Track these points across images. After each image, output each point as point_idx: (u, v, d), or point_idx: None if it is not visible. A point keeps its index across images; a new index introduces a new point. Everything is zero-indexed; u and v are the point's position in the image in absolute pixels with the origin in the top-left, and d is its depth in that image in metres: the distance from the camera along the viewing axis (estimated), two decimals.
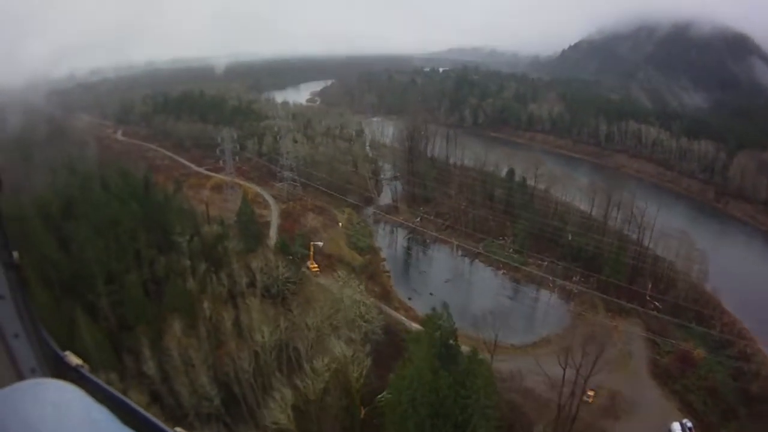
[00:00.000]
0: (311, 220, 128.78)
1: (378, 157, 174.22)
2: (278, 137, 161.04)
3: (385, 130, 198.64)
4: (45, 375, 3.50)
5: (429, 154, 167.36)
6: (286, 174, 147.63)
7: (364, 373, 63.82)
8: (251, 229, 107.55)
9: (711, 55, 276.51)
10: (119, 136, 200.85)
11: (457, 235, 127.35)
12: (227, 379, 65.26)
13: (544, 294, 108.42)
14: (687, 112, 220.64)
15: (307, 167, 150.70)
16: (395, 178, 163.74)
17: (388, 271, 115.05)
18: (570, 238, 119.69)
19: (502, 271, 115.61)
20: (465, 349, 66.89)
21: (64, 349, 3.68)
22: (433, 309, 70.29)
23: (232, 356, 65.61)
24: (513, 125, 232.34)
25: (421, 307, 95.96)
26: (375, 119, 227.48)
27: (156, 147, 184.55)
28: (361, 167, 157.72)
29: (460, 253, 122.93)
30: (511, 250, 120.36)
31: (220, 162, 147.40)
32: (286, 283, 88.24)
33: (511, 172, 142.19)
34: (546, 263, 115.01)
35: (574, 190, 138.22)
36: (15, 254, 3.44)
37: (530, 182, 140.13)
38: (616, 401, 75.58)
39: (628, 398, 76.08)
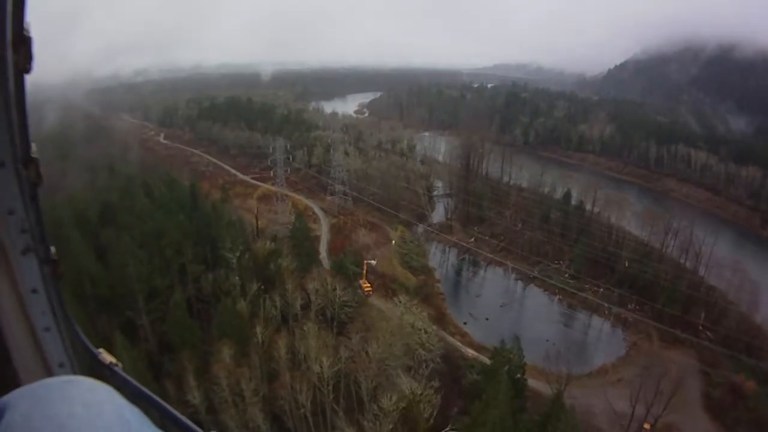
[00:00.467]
0: (363, 237, 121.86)
1: (430, 174, 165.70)
2: (330, 149, 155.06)
3: (436, 146, 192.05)
4: (75, 371, 3.38)
5: (483, 173, 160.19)
6: (338, 187, 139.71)
7: (434, 413, 57.30)
8: (305, 246, 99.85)
9: (755, 78, 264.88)
10: (161, 139, 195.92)
11: (512, 257, 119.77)
12: (281, 413, 58.92)
13: (598, 321, 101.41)
14: (733, 137, 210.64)
15: (358, 181, 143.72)
16: (448, 195, 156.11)
17: (442, 293, 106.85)
18: (626, 264, 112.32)
19: (557, 297, 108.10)
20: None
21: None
22: (503, 342, 67.64)
23: (288, 388, 58.67)
24: (563, 146, 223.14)
25: (477, 333, 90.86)
26: (426, 134, 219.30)
27: (200, 152, 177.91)
28: (414, 183, 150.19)
29: (514, 276, 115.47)
30: (566, 275, 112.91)
31: (271, 172, 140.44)
32: (343, 307, 79.73)
33: (567, 195, 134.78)
34: (602, 290, 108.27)
35: (630, 215, 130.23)
36: (52, 249, 3.32)
37: (587, 206, 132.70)
38: None
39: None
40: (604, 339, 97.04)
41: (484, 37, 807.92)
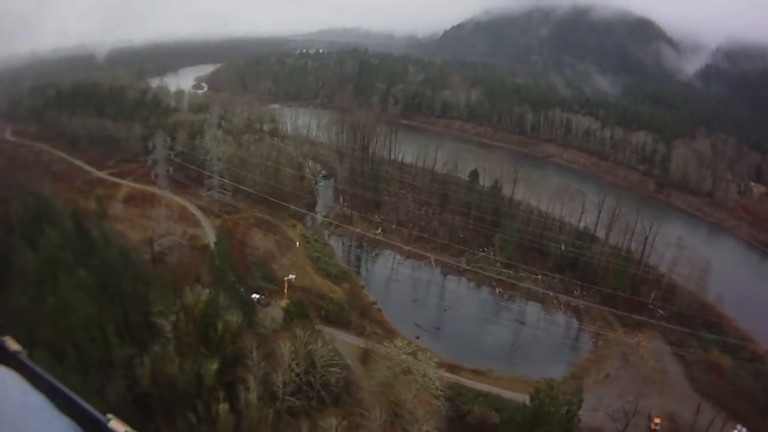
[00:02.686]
0: (260, 240, 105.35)
1: (305, 154, 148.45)
2: (196, 135, 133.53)
3: (296, 120, 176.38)
4: None
5: (364, 150, 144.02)
6: (215, 180, 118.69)
7: None
8: (230, 279, 79.97)
9: (613, 39, 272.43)
10: (8, 135, 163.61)
11: (430, 247, 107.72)
12: None
13: (548, 311, 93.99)
14: (606, 99, 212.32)
15: (234, 169, 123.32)
16: (327, 177, 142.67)
17: (374, 302, 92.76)
18: (563, 248, 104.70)
19: (497, 290, 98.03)
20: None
21: None
22: (543, 381, 60.12)
23: None
24: (425, 112, 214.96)
25: (440, 348, 78.22)
26: (275, 106, 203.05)
27: (49, 148, 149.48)
28: (295, 167, 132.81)
29: (440, 269, 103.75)
30: (498, 264, 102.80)
31: (153, 175, 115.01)
32: (328, 369, 59.01)
33: (475, 173, 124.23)
34: (540, 276, 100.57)
35: (541, 191, 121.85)
36: None
37: (491, 182, 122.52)
38: (679, 424, 70.68)
39: (687, 419, 70.81)
40: (565, 333, 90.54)
41: (308, 2, 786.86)
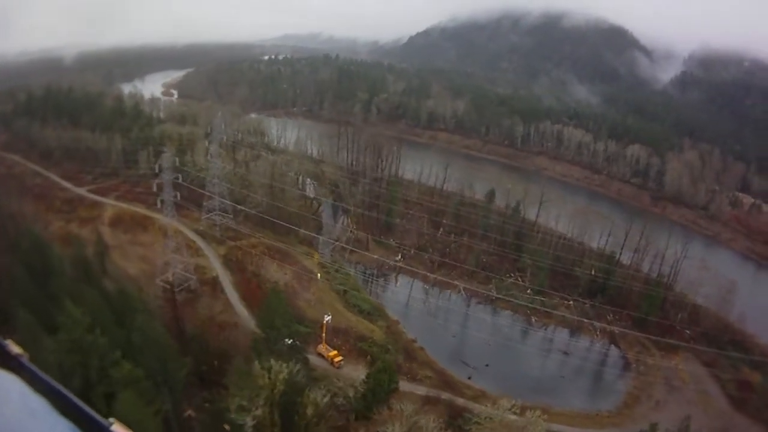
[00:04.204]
0: (274, 272, 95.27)
1: (305, 171, 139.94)
2: (186, 149, 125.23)
3: (285, 132, 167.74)
4: None
5: (364, 166, 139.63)
6: (215, 201, 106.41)
7: None
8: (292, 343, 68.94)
9: (587, 47, 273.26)
10: None
11: (456, 274, 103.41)
12: None
13: (587, 340, 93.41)
14: (587, 110, 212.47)
15: (233, 187, 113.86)
16: (329, 196, 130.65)
17: (414, 340, 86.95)
18: (593, 272, 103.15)
19: (533, 318, 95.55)
20: None
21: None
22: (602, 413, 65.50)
23: None
24: (410, 123, 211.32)
25: (493, 387, 74.95)
26: (252, 116, 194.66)
27: (21, 159, 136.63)
28: (295, 185, 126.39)
29: (471, 298, 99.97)
30: (528, 291, 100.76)
31: (158, 201, 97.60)
32: None
33: (492, 193, 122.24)
34: (572, 302, 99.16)
35: (556, 212, 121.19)
36: None
37: (505, 202, 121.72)
38: None
39: None
40: (606, 360, 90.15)
41: (268, 6, 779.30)
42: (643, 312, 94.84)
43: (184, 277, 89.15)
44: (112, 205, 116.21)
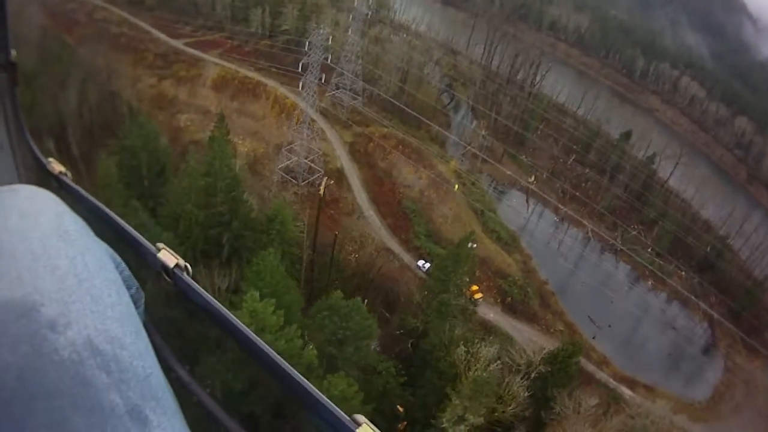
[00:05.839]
0: (407, 173, 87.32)
1: (438, 61, 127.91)
2: (311, 14, 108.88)
3: (415, 13, 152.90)
4: (21, 182, 3.22)
5: (493, 63, 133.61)
6: (346, 79, 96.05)
7: None
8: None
9: None
10: None
11: (586, 212, 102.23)
12: None
13: (689, 319, 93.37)
14: (701, 62, 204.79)
15: (367, 67, 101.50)
16: (449, 90, 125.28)
17: (546, 283, 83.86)
18: (708, 249, 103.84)
19: (650, 282, 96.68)
20: None
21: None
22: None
23: None
24: (532, 25, 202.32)
25: (614, 354, 77.69)
26: None
27: (104, 2, 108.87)
28: (429, 73, 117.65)
29: (597, 243, 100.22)
30: (650, 250, 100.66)
31: (300, 84, 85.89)
32: None
33: (627, 135, 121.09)
34: (683, 274, 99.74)
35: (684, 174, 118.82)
36: (13, 53, 3.27)
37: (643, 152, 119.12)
38: None
39: None
40: (705, 346, 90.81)
41: None
42: (739, 305, 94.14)
43: (307, 167, 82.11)
44: (214, 63, 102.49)
